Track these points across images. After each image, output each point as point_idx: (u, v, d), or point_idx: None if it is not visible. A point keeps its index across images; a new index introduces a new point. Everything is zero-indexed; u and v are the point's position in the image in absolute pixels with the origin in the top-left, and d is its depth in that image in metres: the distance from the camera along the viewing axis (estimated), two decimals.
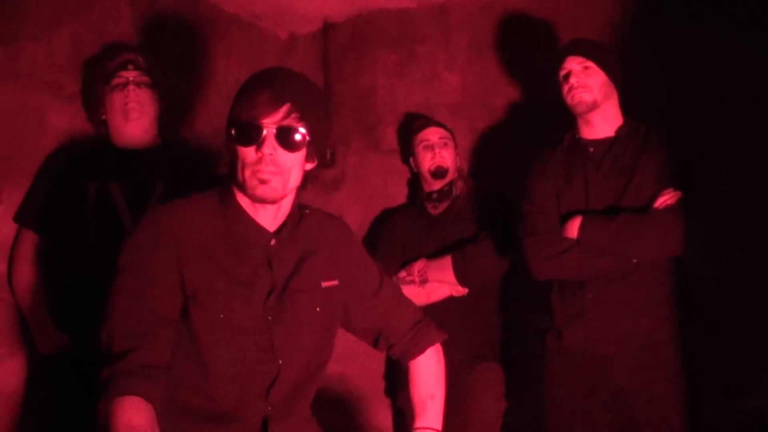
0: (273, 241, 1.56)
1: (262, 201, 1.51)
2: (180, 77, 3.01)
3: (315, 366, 1.62)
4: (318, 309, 1.59)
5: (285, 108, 1.46)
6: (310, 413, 1.65)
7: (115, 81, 2.41)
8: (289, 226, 1.58)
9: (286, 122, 1.46)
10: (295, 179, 1.52)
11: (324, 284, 1.61)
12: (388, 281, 1.74)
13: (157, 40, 2.92)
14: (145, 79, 2.44)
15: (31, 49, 2.51)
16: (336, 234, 1.67)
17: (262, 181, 1.46)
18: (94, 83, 2.48)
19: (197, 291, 1.47)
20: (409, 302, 1.77)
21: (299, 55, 3.52)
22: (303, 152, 1.50)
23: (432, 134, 2.93)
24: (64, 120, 2.58)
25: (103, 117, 2.45)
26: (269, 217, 1.55)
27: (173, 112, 2.65)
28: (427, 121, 3.01)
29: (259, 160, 1.46)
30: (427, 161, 2.91)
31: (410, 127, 3.08)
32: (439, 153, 2.88)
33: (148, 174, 2.40)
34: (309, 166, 1.56)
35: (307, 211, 1.65)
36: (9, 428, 2.38)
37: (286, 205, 1.57)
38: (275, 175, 1.47)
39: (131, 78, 2.41)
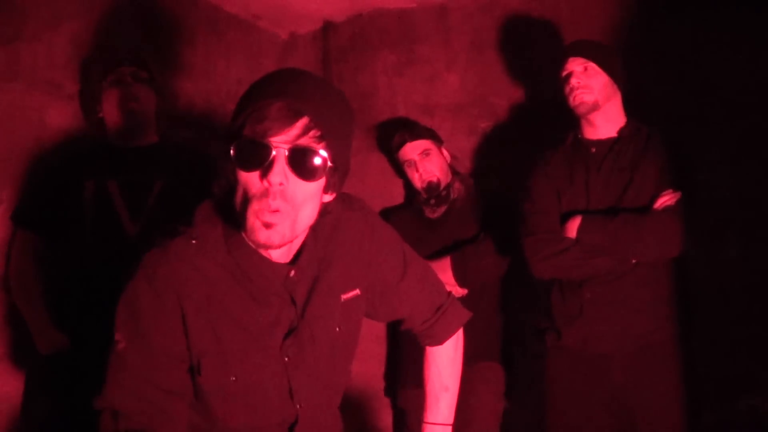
0: (292, 272, 1.29)
1: (265, 248, 1.23)
2: (180, 77, 3.01)
3: (337, 387, 1.46)
4: (338, 329, 1.38)
5: (302, 123, 1.15)
6: (337, 416, 1.51)
7: (113, 77, 2.38)
8: (308, 246, 1.32)
9: (303, 141, 1.15)
10: (308, 216, 1.22)
11: (344, 297, 1.39)
12: (412, 264, 1.50)
13: (157, 40, 2.93)
14: (143, 74, 2.41)
15: (31, 49, 2.51)
16: (354, 231, 1.40)
17: (267, 225, 1.16)
18: (92, 80, 2.46)
19: (203, 356, 1.25)
20: (433, 284, 1.56)
21: (299, 55, 3.54)
22: (322, 182, 1.20)
23: (410, 152, 2.87)
24: (64, 120, 2.58)
25: (100, 115, 2.42)
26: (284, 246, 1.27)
27: (172, 111, 2.64)
28: (402, 138, 2.90)
29: (264, 192, 1.15)
30: (416, 180, 2.87)
31: (389, 145, 3.02)
32: (424, 168, 2.83)
33: (147, 171, 2.35)
34: (328, 198, 1.26)
35: None
36: (8, 429, 2.37)
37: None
38: (283, 218, 1.17)
39: (129, 73, 2.38)
